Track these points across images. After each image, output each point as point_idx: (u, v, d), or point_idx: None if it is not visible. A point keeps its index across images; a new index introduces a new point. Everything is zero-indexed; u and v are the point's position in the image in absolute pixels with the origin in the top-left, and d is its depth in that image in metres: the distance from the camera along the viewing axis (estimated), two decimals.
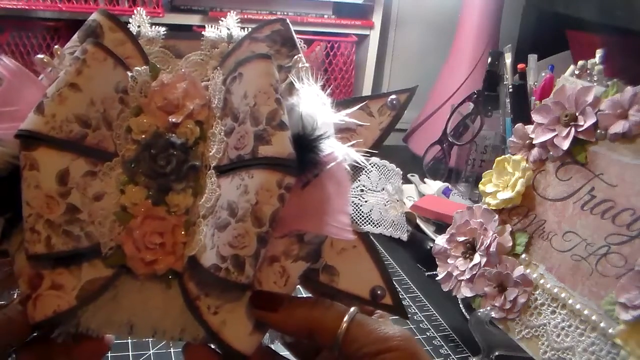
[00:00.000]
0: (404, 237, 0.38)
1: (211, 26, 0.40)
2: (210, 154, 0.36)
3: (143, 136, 0.36)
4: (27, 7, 0.97)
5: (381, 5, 1.18)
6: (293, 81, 0.35)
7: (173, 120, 0.36)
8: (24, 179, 0.32)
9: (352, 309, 0.31)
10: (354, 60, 1.18)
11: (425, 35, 1.32)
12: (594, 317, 0.52)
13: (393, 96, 0.38)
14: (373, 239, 0.36)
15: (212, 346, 0.34)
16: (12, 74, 0.35)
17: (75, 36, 0.38)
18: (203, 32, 0.40)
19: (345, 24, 1.16)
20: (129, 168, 0.36)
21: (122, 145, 0.36)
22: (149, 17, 0.41)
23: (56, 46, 0.38)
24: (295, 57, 0.37)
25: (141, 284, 0.35)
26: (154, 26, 0.40)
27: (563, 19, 1.07)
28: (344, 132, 0.37)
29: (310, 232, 0.34)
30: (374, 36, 1.19)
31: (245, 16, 1.06)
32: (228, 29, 0.39)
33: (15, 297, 0.34)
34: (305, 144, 0.33)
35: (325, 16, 1.15)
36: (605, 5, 0.96)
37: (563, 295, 0.55)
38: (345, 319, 0.31)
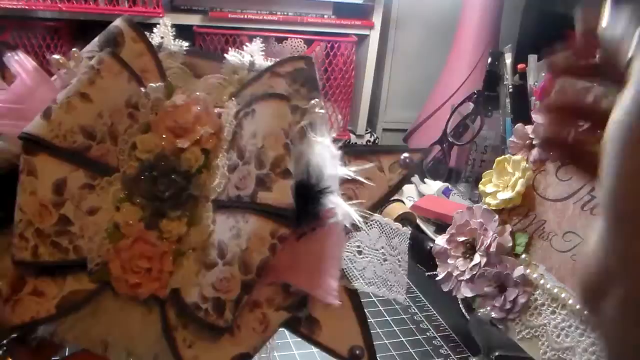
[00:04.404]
0: (401, 298, 0.37)
1: (235, 50, 0.39)
2: (212, 185, 0.35)
3: (147, 155, 0.36)
4: (27, 7, 0.97)
5: (381, 5, 1.17)
6: (306, 128, 0.34)
7: (179, 144, 0.36)
8: (20, 182, 0.32)
9: None
10: (354, 60, 1.18)
11: (425, 35, 1.32)
12: None
13: (406, 154, 0.38)
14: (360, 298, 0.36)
15: None
16: (27, 73, 0.35)
17: (95, 40, 0.37)
18: (226, 55, 0.39)
19: (345, 24, 1.16)
20: (129, 186, 0.35)
21: (125, 161, 0.36)
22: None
23: (74, 49, 0.37)
24: (314, 101, 0.35)
25: (123, 303, 0.34)
26: (177, 40, 0.40)
27: (563, 19, 1.07)
28: (351, 183, 0.36)
29: (297, 287, 0.33)
30: (374, 36, 1.19)
31: (245, 16, 1.06)
32: (251, 56, 0.39)
33: None
34: (308, 194, 0.32)
35: (325, 16, 1.15)
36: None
37: (563, 295, 0.55)
38: None
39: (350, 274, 0.36)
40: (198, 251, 0.34)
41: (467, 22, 1.15)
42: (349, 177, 0.35)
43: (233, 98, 0.37)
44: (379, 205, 0.37)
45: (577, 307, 0.53)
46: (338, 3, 1.15)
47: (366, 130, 1.27)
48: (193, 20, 1.06)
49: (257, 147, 0.32)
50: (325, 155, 0.34)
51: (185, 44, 0.40)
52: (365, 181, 0.36)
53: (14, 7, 0.96)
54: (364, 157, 0.37)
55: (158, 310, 0.34)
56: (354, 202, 0.35)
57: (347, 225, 0.34)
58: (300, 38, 1.13)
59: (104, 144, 0.35)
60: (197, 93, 0.37)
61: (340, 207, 0.33)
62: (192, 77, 0.39)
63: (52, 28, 1.01)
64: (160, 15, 1.01)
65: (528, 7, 1.30)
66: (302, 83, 0.36)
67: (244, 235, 0.31)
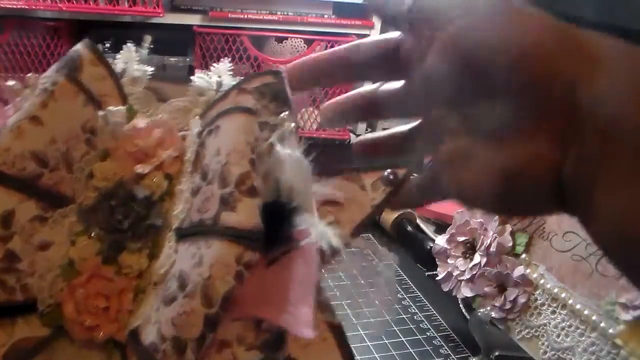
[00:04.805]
0: (381, 332, 0.35)
1: (202, 72, 0.36)
2: (174, 213, 0.32)
3: (105, 184, 0.32)
4: (27, 7, 0.97)
5: None
6: (274, 143, 0.30)
7: (139, 170, 0.32)
8: None
9: None
10: None
11: None
12: (594, 317, 0.51)
13: (389, 170, 0.34)
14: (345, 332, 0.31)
15: None
16: None
17: (54, 66, 0.35)
18: (192, 78, 0.36)
19: (345, 24, 1.16)
20: (85, 218, 0.32)
21: (81, 191, 0.32)
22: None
23: (29, 74, 0.35)
24: (283, 114, 0.32)
25: (78, 350, 0.31)
26: (140, 64, 0.37)
27: (563, 18, 1.07)
28: (330, 205, 0.33)
29: (268, 320, 0.29)
30: (374, 36, 1.19)
31: (245, 16, 1.06)
32: (219, 76, 0.36)
33: None
34: (278, 215, 0.29)
35: (325, 16, 1.15)
36: (606, 5, 0.96)
37: (563, 295, 0.55)
38: None
39: (334, 307, 0.31)
40: (159, 286, 0.30)
41: None
42: (325, 197, 0.32)
43: (197, 117, 0.34)
44: (361, 229, 0.33)
45: (577, 307, 0.53)
46: (338, 3, 1.15)
47: (366, 130, 1.27)
48: (193, 20, 1.06)
49: (221, 165, 0.29)
50: (296, 171, 0.30)
51: (150, 68, 0.37)
52: (344, 201, 0.33)
53: (14, 6, 0.96)
54: (342, 175, 0.34)
55: (119, 357, 0.31)
56: (332, 220, 0.31)
57: (325, 248, 0.29)
58: (300, 38, 1.13)
59: (58, 172, 0.32)
60: (160, 116, 0.35)
61: (315, 227, 0.29)
62: (156, 101, 0.37)
63: (52, 28, 1.01)
64: (160, 15, 1.01)
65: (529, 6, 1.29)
66: (270, 98, 0.33)
67: (206, 262, 0.27)
